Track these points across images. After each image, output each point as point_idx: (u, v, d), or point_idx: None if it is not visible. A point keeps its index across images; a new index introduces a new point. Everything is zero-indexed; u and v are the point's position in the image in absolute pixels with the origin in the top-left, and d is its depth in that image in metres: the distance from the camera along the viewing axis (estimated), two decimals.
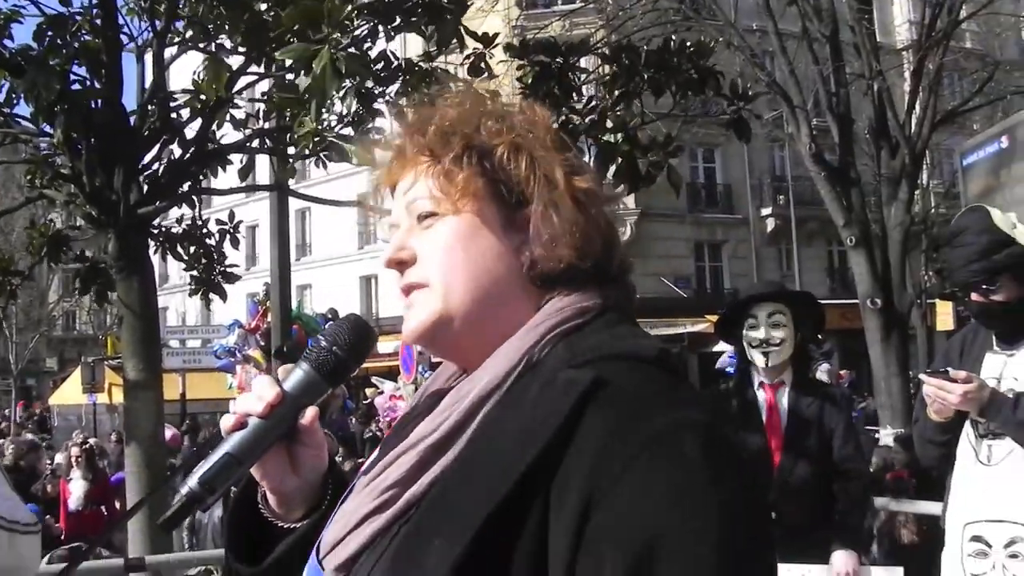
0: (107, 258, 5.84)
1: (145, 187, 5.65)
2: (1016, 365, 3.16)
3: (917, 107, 14.22)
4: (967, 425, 3.22)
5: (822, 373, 11.83)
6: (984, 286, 3.15)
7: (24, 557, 2.16)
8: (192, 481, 1.16)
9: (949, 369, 3.16)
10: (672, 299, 27.78)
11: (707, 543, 0.95)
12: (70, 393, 25.94)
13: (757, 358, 4.11)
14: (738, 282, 28.89)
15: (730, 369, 10.66)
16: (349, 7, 3.79)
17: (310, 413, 1.22)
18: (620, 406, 1.02)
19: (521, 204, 1.19)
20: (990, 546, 3.09)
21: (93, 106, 5.30)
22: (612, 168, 5.43)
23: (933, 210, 25.35)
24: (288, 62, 4.09)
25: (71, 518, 9.99)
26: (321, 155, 5.01)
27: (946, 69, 16.58)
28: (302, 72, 3.90)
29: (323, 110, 4.02)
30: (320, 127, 4.05)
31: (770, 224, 32.05)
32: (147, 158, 5.70)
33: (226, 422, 1.21)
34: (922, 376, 3.25)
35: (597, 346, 1.10)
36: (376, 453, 1.26)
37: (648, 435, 0.99)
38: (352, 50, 3.93)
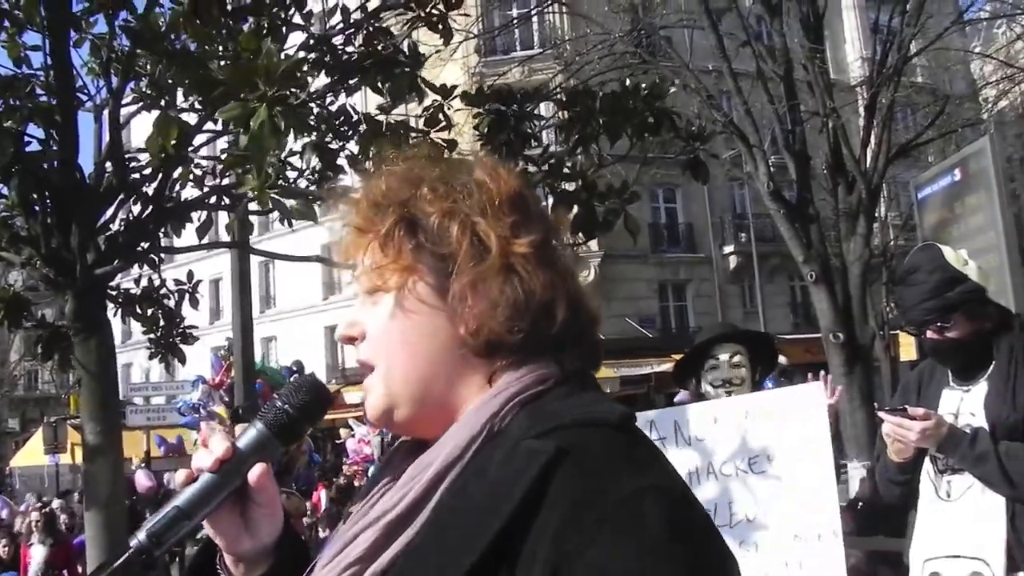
0: (66, 321, 5.76)
1: (103, 247, 5.60)
2: (972, 400, 3.19)
3: (871, 142, 14.46)
4: (927, 461, 3.25)
5: None
6: (938, 324, 3.19)
7: None
8: (141, 534, 1.16)
9: (907, 407, 3.19)
10: (638, 339, 27.86)
11: None
12: (32, 454, 25.56)
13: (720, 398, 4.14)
14: (703, 320, 29.02)
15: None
16: (286, 64, 3.76)
17: (258, 469, 1.22)
18: (583, 475, 1.02)
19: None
20: None
21: (48, 167, 5.26)
22: (570, 216, 5.45)
23: (892, 242, 25.67)
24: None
25: None
26: (275, 212, 4.98)
27: (899, 104, 16.92)
28: (243, 131, 3.87)
29: (270, 167, 3.99)
30: (267, 184, 4.01)
31: (732, 261, 32.32)
32: (105, 218, 5.65)
33: (179, 477, 1.22)
34: (881, 414, 3.28)
35: (559, 414, 1.09)
36: (344, 519, 1.26)
37: (611, 504, 0.99)
38: (298, 104, 3.92)
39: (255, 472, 1.22)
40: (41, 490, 21.12)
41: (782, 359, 13.94)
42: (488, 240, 1.15)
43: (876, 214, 16.52)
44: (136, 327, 7.31)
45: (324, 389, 1.30)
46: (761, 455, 3.78)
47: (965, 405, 3.20)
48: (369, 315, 1.22)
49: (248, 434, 1.24)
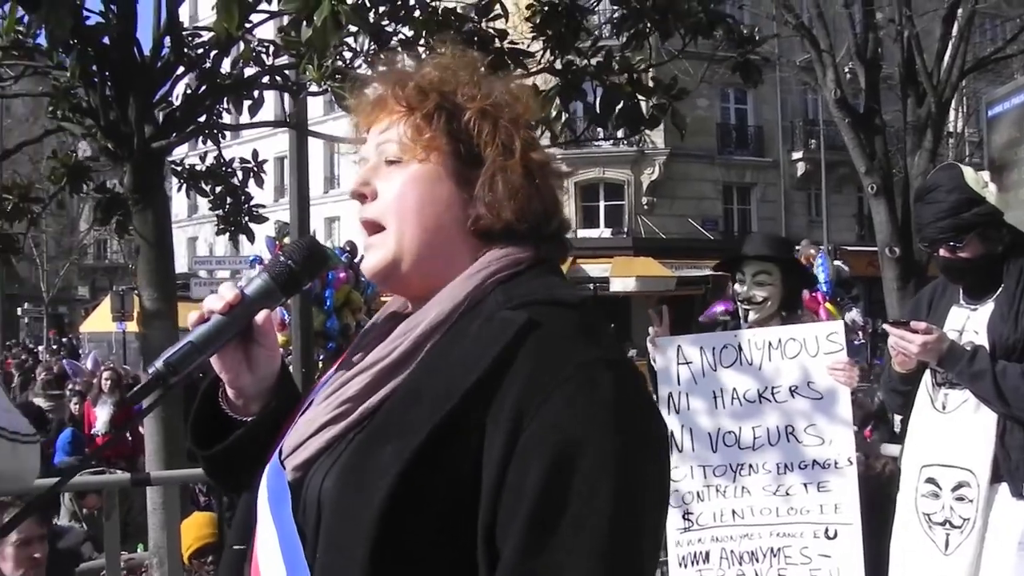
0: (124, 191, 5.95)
1: (160, 121, 5.74)
2: (978, 320, 3.25)
3: (947, 54, 14.04)
4: (927, 374, 3.34)
5: (855, 315, 11.96)
6: (951, 243, 3.24)
7: (25, 465, 2.34)
8: (159, 363, 1.37)
9: (911, 321, 3.27)
10: (698, 240, 27.74)
11: (611, 452, 1.18)
12: (100, 321, 26.47)
13: (742, 313, 4.23)
14: (766, 226, 28.78)
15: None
16: None
17: (263, 314, 1.44)
18: (548, 343, 1.24)
19: (478, 165, 1.37)
20: (941, 488, 3.24)
21: (107, 41, 5.38)
22: (616, 110, 5.49)
23: (967, 159, 25.02)
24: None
25: (94, 441, 10.30)
26: (331, 94, 5.08)
27: (986, 15, 16.30)
28: (304, 22, 3.98)
29: (328, 53, 4.10)
30: (326, 74, 4.13)
31: (800, 168, 31.78)
32: (162, 92, 5.77)
33: (192, 317, 1.42)
34: (886, 326, 3.36)
35: (530, 292, 1.31)
36: (335, 368, 1.46)
37: (571, 367, 1.21)
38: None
39: (261, 315, 1.44)
40: (109, 355, 21.88)
41: (844, 267, 13.70)
42: (513, 144, 1.37)
43: (948, 129, 16.11)
44: (203, 202, 7.50)
45: (323, 249, 1.52)
46: (783, 385, 3.91)
47: (971, 323, 3.27)
48: (384, 179, 1.41)
49: (254, 283, 1.44)
